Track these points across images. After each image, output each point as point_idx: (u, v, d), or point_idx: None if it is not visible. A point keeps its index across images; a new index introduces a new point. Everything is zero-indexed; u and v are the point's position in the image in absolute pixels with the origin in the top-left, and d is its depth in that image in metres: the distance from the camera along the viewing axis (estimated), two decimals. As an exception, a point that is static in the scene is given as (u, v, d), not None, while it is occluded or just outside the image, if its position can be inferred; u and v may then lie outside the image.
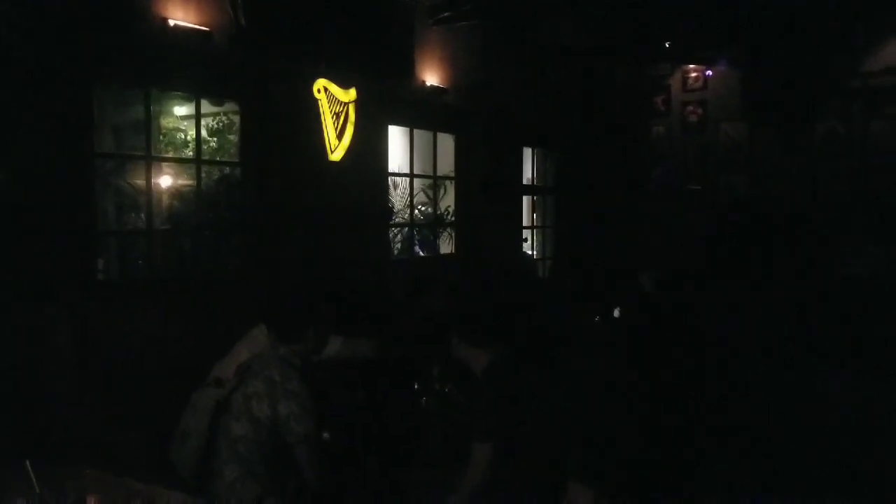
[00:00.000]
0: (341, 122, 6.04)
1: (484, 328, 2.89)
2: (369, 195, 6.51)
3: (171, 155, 5.69)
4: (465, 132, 7.72)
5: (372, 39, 6.30)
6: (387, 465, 3.43)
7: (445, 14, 6.94)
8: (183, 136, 5.88)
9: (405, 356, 3.82)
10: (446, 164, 7.73)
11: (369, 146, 6.41)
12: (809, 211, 8.35)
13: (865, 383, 4.59)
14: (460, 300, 3.33)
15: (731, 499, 2.64)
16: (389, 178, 7.03)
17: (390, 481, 3.31)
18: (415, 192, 7.45)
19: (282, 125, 5.60)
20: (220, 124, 5.89)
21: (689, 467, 2.64)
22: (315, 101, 5.83)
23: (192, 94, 5.20)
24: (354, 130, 6.14)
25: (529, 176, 9.28)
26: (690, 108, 9.75)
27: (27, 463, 1.74)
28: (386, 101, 6.57)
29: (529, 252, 9.11)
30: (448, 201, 7.87)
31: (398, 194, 7.40)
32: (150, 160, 4.92)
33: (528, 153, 9.15)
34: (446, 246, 7.94)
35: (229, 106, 5.60)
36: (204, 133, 5.54)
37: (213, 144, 5.86)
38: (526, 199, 9.25)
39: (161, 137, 5.71)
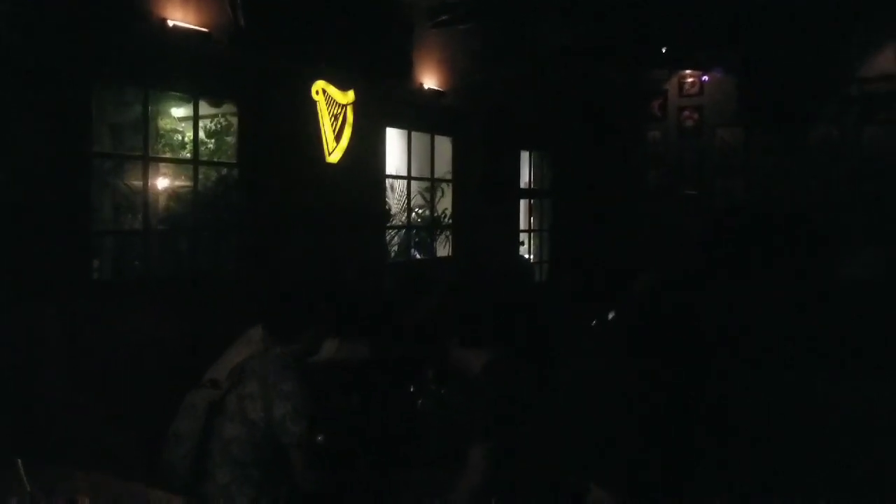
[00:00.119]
0: (339, 123, 6.05)
1: (481, 329, 2.88)
2: (367, 197, 6.52)
3: (168, 155, 5.69)
4: (462, 135, 7.73)
5: (371, 42, 6.31)
6: (383, 467, 3.42)
7: (444, 17, 6.96)
8: (181, 138, 5.88)
9: (401, 358, 3.82)
10: (444, 167, 7.74)
11: (367, 148, 6.42)
12: (805, 214, 8.37)
13: (864, 385, 4.60)
14: (457, 301, 3.32)
15: (731, 499, 2.64)
16: (387, 181, 7.03)
17: (386, 483, 3.31)
18: (412, 195, 7.46)
19: (280, 126, 5.60)
20: (218, 126, 5.89)
21: (689, 467, 2.65)
22: (313, 103, 5.84)
23: (191, 94, 5.20)
24: (352, 132, 6.15)
25: (527, 179, 9.29)
26: (687, 112, 9.78)
27: (18, 462, 1.74)
28: (384, 103, 6.58)
29: (527, 256, 9.12)
30: (445, 204, 7.88)
31: (395, 196, 7.41)
32: (148, 160, 4.92)
33: (525, 157, 9.16)
34: (443, 249, 7.94)
35: (227, 107, 5.60)
36: (202, 135, 5.54)
37: (210, 146, 5.86)
38: (523, 203, 9.26)
39: (159, 138, 5.71)
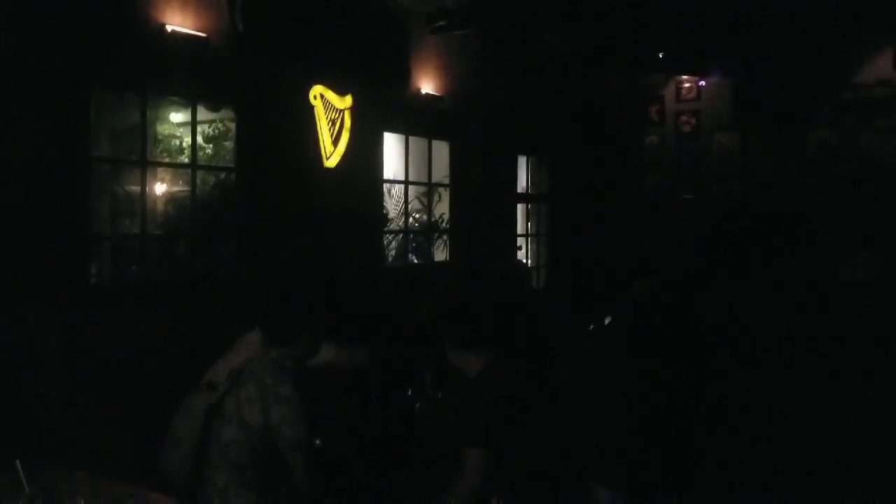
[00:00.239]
0: (337, 128, 6.06)
1: (478, 332, 2.89)
2: (364, 201, 6.53)
3: (166, 160, 5.70)
4: (460, 139, 7.75)
5: (368, 47, 6.33)
6: (381, 469, 3.42)
7: (441, 22, 6.98)
8: (179, 143, 5.89)
9: (399, 361, 3.82)
10: (441, 172, 7.75)
11: (365, 153, 6.43)
12: (802, 218, 8.40)
13: (863, 385, 4.62)
14: (454, 304, 3.32)
15: (731, 499, 2.65)
16: (384, 185, 7.04)
17: (385, 485, 3.31)
18: (410, 199, 7.47)
19: (278, 131, 5.61)
20: (216, 131, 5.90)
21: (689, 467, 2.65)
22: (311, 108, 5.86)
23: (189, 99, 5.21)
24: (350, 137, 6.16)
25: (524, 184, 9.31)
26: (684, 118, 9.82)
27: (17, 463, 1.74)
28: (382, 107, 6.59)
29: (524, 260, 9.12)
30: (443, 208, 7.89)
31: (393, 201, 7.41)
32: (146, 165, 4.93)
33: (522, 161, 9.17)
34: (441, 253, 7.95)
35: (225, 113, 5.61)
36: (200, 140, 5.56)
37: (208, 151, 5.87)
38: (520, 207, 9.27)
39: (158, 143, 5.72)
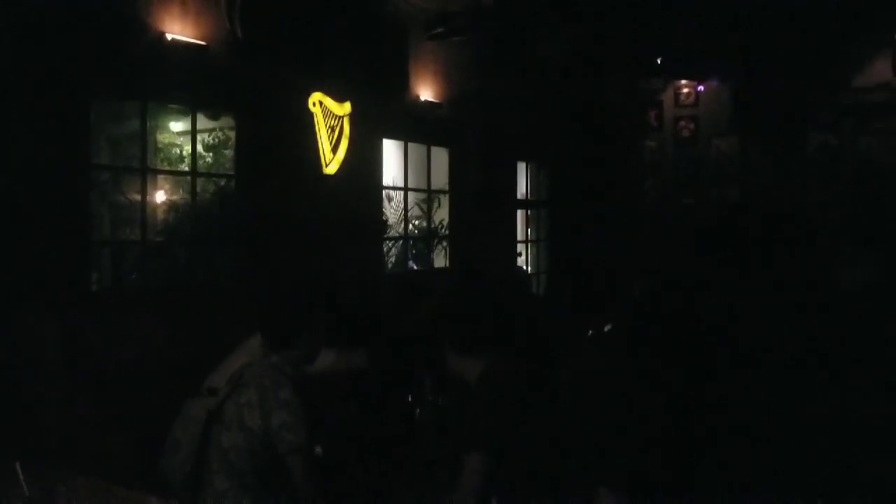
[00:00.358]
0: (336, 135, 6.08)
1: (477, 334, 2.89)
2: (364, 208, 6.54)
3: (166, 167, 5.72)
4: (459, 146, 7.77)
5: (367, 54, 6.35)
6: (380, 477, 3.42)
7: (440, 29, 7.01)
8: (179, 151, 5.92)
9: (398, 367, 3.82)
10: (441, 178, 7.77)
11: (364, 159, 6.45)
12: (801, 223, 8.40)
13: (862, 386, 4.61)
14: (453, 306, 3.32)
15: (731, 499, 2.65)
16: (384, 192, 7.05)
17: (384, 488, 3.31)
18: (409, 206, 7.48)
19: (277, 137, 5.63)
20: (216, 139, 5.93)
21: (690, 467, 2.65)
22: (310, 114, 5.88)
23: (189, 107, 5.23)
24: (349, 144, 6.18)
25: (524, 190, 9.32)
26: (683, 123, 9.84)
27: (17, 465, 1.74)
28: (381, 114, 6.61)
29: (524, 267, 9.12)
30: (442, 215, 7.90)
31: (392, 207, 7.43)
32: (146, 172, 4.94)
33: (521, 168, 9.19)
34: (440, 260, 7.96)
35: (225, 121, 5.63)
36: (200, 149, 5.58)
37: (208, 160, 5.89)
38: (520, 214, 9.28)
39: (158, 152, 5.75)
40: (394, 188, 7.30)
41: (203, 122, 5.47)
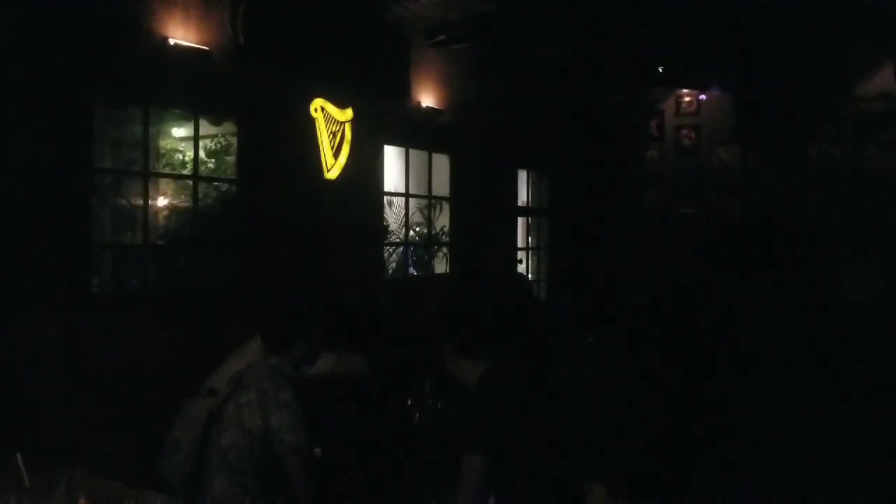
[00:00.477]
0: (338, 140, 6.10)
1: (477, 335, 2.89)
2: (365, 213, 6.55)
3: (168, 171, 5.73)
4: (460, 153, 7.79)
5: (369, 60, 6.38)
6: (380, 478, 3.42)
7: (442, 36, 7.04)
8: (181, 157, 5.94)
9: (398, 371, 3.83)
10: (441, 185, 7.78)
11: (365, 165, 6.46)
12: (801, 232, 8.41)
13: (862, 388, 4.61)
14: (453, 308, 3.33)
15: (732, 499, 2.65)
16: (385, 197, 7.07)
17: (383, 494, 3.30)
18: (410, 212, 7.49)
19: (279, 143, 5.65)
20: (218, 145, 5.95)
21: (689, 467, 2.65)
22: (312, 120, 5.90)
23: (191, 112, 5.25)
24: (350, 149, 6.20)
25: (525, 197, 9.33)
26: (684, 131, 9.84)
27: (18, 456, 1.75)
28: (382, 120, 6.63)
29: (524, 275, 9.12)
30: (443, 221, 7.91)
31: (394, 213, 7.44)
32: (148, 176, 4.95)
33: (522, 175, 9.21)
34: (441, 266, 7.96)
35: (227, 127, 5.65)
36: (202, 155, 5.59)
37: (210, 165, 5.91)
38: (521, 221, 9.29)
39: (160, 157, 5.76)
40: (395, 194, 7.31)
41: (205, 128, 5.48)
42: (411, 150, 7.33)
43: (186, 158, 5.82)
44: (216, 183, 5.75)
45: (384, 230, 7.12)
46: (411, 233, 7.66)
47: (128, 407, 3.89)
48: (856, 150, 8.55)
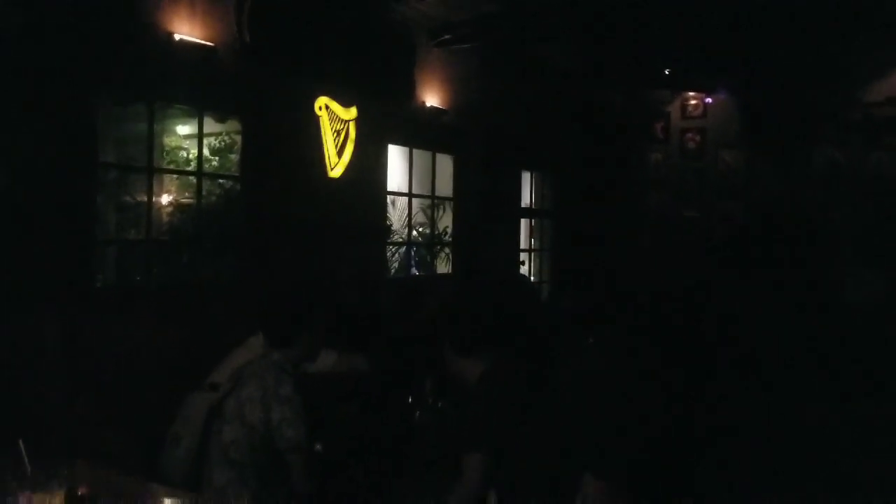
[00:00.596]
0: (341, 139, 6.10)
1: (477, 334, 2.89)
2: (368, 213, 6.56)
3: (172, 167, 5.74)
4: (464, 153, 7.79)
5: (374, 59, 6.39)
6: (380, 477, 3.42)
7: (446, 36, 7.05)
8: (185, 155, 5.95)
9: (399, 369, 3.83)
10: (445, 185, 7.78)
11: (369, 164, 6.47)
12: (802, 234, 8.39)
13: (862, 389, 4.61)
14: (454, 307, 3.33)
15: (732, 499, 2.65)
16: (388, 197, 7.07)
17: (383, 493, 3.30)
18: (413, 212, 7.49)
19: (283, 140, 5.66)
20: (223, 143, 5.96)
21: (690, 467, 2.65)
22: (316, 118, 5.90)
23: (196, 108, 5.25)
24: (354, 148, 6.20)
25: (528, 199, 9.33)
26: (690, 135, 9.82)
27: (20, 443, 1.76)
28: (386, 120, 6.64)
29: (526, 276, 9.12)
30: (446, 221, 7.91)
31: (396, 213, 7.44)
32: (152, 172, 4.96)
33: (526, 177, 9.21)
34: (443, 266, 7.96)
35: (231, 124, 5.65)
36: (206, 152, 5.60)
37: (214, 163, 5.92)
38: (524, 223, 9.29)
39: (165, 154, 5.77)
40: (398, 194, 7.31)
41: (210, 125, 5.49)
42: (415, 150, 7.34)
43: (190, 155, 5.83)
44: (220, 180, 5.76)
45: (387, 229, 7.12)
46: (414, 233, 7.66)
47: (129, 403, 3.89)
48: (864, 156, 8.52)
